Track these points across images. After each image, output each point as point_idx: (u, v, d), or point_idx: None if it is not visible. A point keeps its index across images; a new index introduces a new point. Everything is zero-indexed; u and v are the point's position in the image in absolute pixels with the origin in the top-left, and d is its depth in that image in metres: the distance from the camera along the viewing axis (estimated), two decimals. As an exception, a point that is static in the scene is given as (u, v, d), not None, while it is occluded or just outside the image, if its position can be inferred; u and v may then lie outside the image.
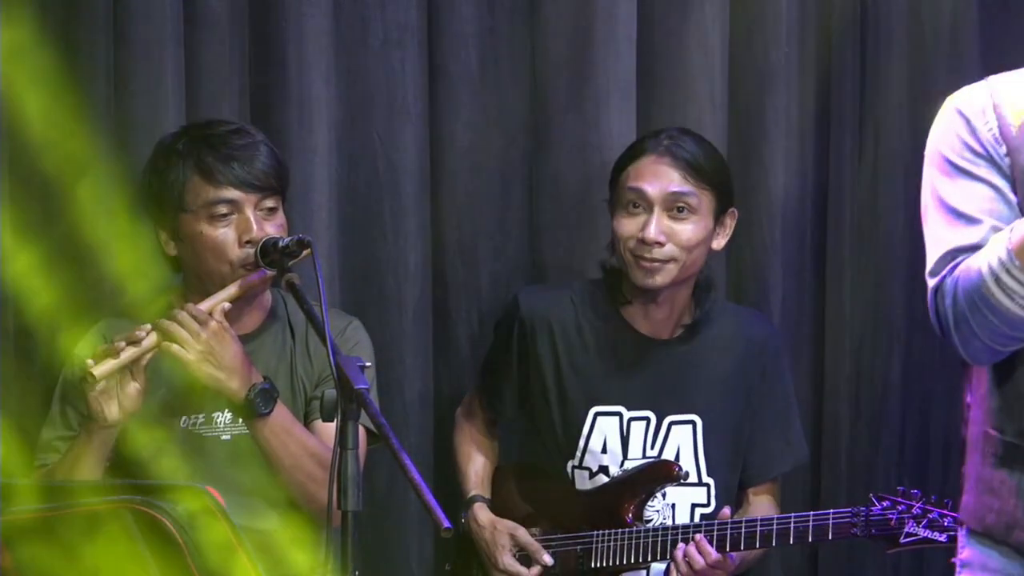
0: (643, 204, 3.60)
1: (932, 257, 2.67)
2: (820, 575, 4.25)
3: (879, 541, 3.48)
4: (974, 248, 2.61)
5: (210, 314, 3.21)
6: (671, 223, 3.59)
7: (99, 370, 3.13)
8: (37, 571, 2.44)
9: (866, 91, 4.19)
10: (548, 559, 3.65)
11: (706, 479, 3.69)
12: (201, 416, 3.36)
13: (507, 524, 3.70)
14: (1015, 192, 2.63)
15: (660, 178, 3.60)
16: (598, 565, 3.63)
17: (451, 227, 4.04)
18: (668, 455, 3.68)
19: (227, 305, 3.24)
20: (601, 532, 3.63)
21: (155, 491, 2.45)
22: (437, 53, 3.99)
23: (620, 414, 3.69)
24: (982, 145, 2.64)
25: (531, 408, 3.76)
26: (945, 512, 3.42)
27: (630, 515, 3.63)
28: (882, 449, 4.21)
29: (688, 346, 3.71)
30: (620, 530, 3.61)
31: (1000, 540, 2.67)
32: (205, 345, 3.19)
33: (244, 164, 3.30)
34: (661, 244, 3.58)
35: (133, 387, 3.17)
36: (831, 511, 3.51)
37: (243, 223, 3.29)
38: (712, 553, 3.51)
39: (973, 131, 2.65)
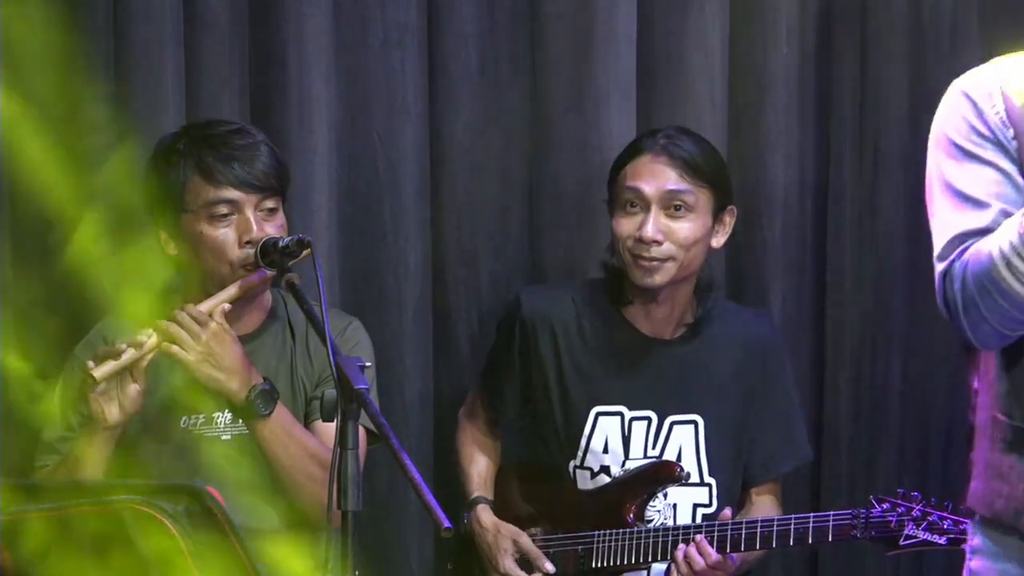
0: (640, 203, 3.60)
1: (940, 242, 2.64)
2: (820, 575, 4.25)
3: (879, 543, 3.48)
4: (983, 232, 2.59)
5: (210, 315, 3.21)
6: (668, 221, 3.59)
7: (99, 372, 3.13)
8: (37, 571, 2.44)
9: (866, 91, 4.18)
10: (550, 567, 3.65)
11: (708, 479, 3.69)
12: (201, 416, 3.36)
13: (511, 529, 3.70)
14: (1023, 175, 2.62)
15: (657, 177, 3.60)
16: (599, 565, 3.63)
17: (451, 227, 4.04)
18: (670, 455, 3.68)
19: (227, 306, 3.24)
20: (602, 532, 3.63)
21: (155, 491, 2.44)
22: (437, 53, 3.99)
23: (621, 414, 3.69)
24: (989, 128, 2.62)
25: (533, 408, 3.76)
26: (945, 515, 3.41)
27: (631, 515, 3.63)
28: (882, 449, 4.21)
29: (690, 346, 3.71)
30: (620, 530, 3.61)
31: (1009, 525, 2.65)
32: (205, 347, 3.19)
33: (245, 164, 3.30)
34: (659, 243, 3.58)
35: (133, 389, 3.17)
36: (831, 513, 3.51)
37: (243, 223, 3.29)
38: (712, 554, 3.51)
39: (980, 114, 2.63)
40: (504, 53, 4.04)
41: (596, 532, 3.63)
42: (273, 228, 3.30)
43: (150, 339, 3.17)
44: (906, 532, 3.43)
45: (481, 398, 3.84)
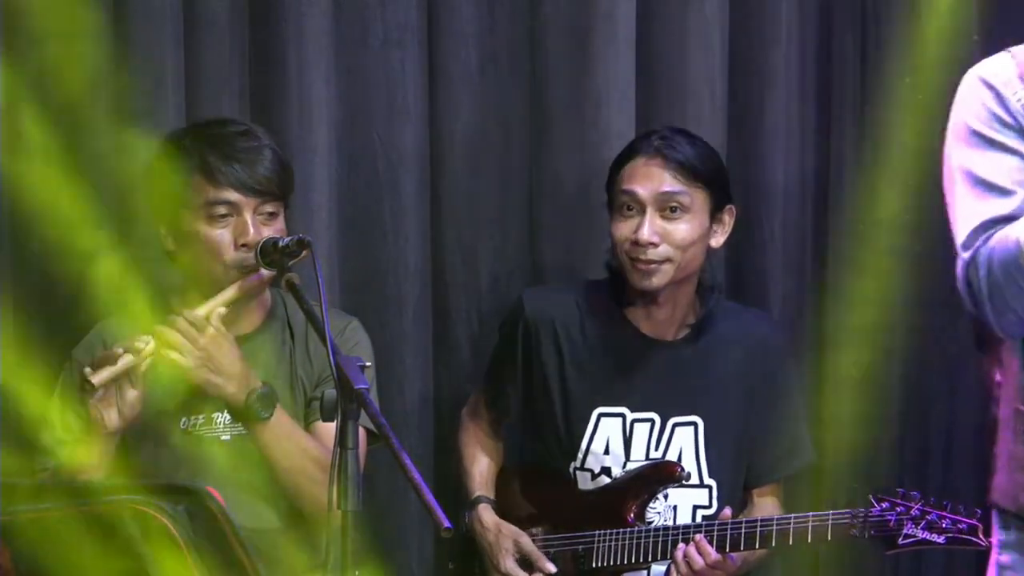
0: (636, 206, 3.60)
1: (963, 231, 2.61)
2: (820, 575, 4.24)
3: (878, 542, 3.48)
4: (1008, 219, 2.56)
5: (207, 319, 3.21)
6: (664, 223, 3.59)
7: (97, 378, 3.13)
8: (38, 571, 2.44)
9: (866, 91, 4.19)
10: (550, 567, 3.65)
11: (708, 481, 3.69)
12: (201, 417, 3.36)
13: (512, 529, 3.70)
14: None
15: (651, 179, 3.60)
16: (599, 565, 3.62)
17: (451, 227, 4.04)
18: (671, 457, 3.67)
19: (223, 310, 3.24)
20: (602, 532, 3.63)
21: (155, 491, 2.45)
22: (437, 53, 3.99)
23: (623, 415, 3.68)
24: (1012, 115, 2.60)
25: (534, 408, 3.76)
26: (944, 514, 3.41)
27: (632, 515, 3.63)
28: (882, 449, 4.21)
29: (692, 347, 3.70)
30: (620, 530, 3.61)
31: None
32: (203, 351, 3.20)
33: (246, 167, 3.30)
34: (655, 245, 3.57)
35: (132, 394, 3.17)
36: (830, 512, 3.50)
37: (240, 226, 3.29)
38: (712, 553, 3.51)
39: (1002, 101, 2.61)
40: (504, 53, 4.04)
41: (596, 532, 3.63)
42: (271, 232, 3.29)
43: (148, 344, 3.17)
44: (905, 531, 3.43)
45: (484, 398, 3.84)
